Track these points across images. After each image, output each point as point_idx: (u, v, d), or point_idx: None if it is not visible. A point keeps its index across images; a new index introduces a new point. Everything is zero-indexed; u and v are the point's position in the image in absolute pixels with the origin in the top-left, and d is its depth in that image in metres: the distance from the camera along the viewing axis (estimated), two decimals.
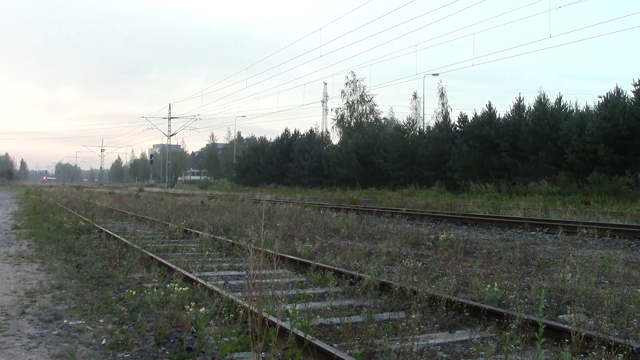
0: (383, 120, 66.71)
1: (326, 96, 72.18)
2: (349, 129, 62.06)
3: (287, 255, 9.18)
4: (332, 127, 66.38)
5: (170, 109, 76.20)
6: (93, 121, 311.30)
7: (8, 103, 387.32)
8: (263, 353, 4.41)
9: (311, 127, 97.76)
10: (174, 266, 7.87)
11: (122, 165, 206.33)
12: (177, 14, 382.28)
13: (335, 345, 4.68)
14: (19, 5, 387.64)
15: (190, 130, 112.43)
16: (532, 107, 36.16)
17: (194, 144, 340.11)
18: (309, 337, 4.36)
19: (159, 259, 8.76)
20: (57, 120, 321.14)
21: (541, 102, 35.56)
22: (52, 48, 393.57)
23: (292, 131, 64.28)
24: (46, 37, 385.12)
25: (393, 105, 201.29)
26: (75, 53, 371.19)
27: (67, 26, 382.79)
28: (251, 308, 4.31)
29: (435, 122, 49.60)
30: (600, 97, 33.02)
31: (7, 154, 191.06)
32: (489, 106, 39.20)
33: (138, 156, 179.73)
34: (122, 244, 10.47)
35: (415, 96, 66.78)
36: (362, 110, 64.80)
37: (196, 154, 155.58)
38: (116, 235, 11.96)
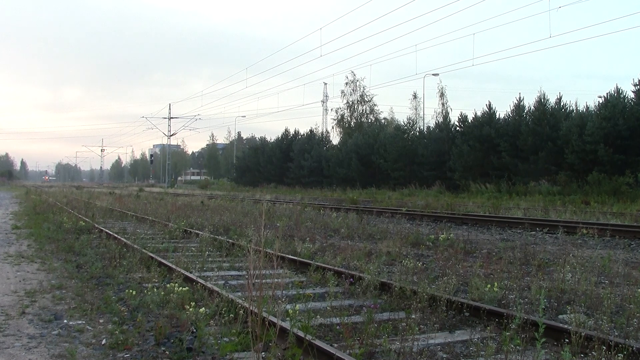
0: (383, 120, 66.66)
1: (326, 96, 72.22)
2: (349, 129, 62.05)
3: (287, 255, 9.18)
4: (332, 127, 66.44)
5: (170, 109, 76.28)
6: (95, 121, 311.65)
7: (10, 103, 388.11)
8: (263, 353, 4.41)
9: (311, 127, 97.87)
10: (174, 266, 7.87)
11: (122, 165, 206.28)
12: (180, 14, 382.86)
13: (335, 345, 4.68)
14: (22, 5, 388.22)
15: (190, 130, 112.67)
16: (532, 107, 36.19)
17: (194, 144, 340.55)
18: (309, 337, 4.36)
19: (159, 259, 8.76)
20: (58, 120, 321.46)
21: (541, 102, 35.56)
22: (55, 48, 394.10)
23: (292, 131, 64.41)
24: (49, 37, 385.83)
25: (393, 105, 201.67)
26: (78, 53, 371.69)
27: (70, 26, 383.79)
28: (251, 308, 4.31)
29: (435, 122, 49.64)
30: (600, 97, 33.08)
31: (7, 154, 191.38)
32: (489, 106, 39.23)
33: (138, 156, 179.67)
34: (122, 244, 10.47)
35: (415, 96, 66.83)
36: (362, 110, 64.83)
37: (196, 154, 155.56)
38: (116, 235, 11.96)
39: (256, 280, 4.83)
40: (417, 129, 48.87)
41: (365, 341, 4.65)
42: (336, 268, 7.96)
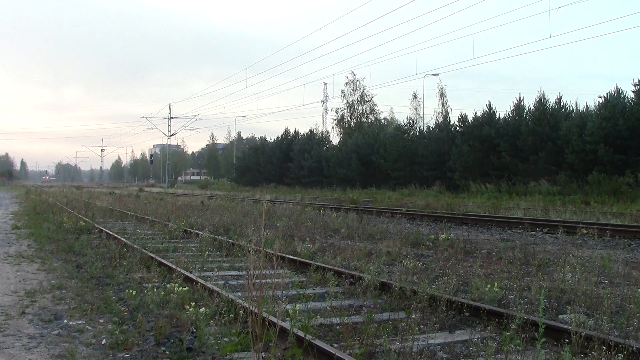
0: (383, 120, 66.69)
1: (326, 96, 72.22)
2: (349, 129, 62.04)
3: (287, 255, 9.18)
4: (332, 127, 66.43)
5: (170, 109, 76.26)
6: (95, 121, 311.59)
7: (10, 103, 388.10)
8: (263, 353, 4.41)
9: (311, 127, 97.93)
10: (174, 266, 7.86)
11: (122, 165, 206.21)
12: (180, 14, 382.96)
13: (335, 345, 4.68)
14: (23, 4, 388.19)
15: (190, 130, 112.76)
16: (532, 107, 36.19)
17: (194, 144, 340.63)
18: (309, 337, 4.36)
19: (159, 259, 8.76)
20: (59, 120, 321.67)
21: (541, 102, 35.56)
22: (55, 48, 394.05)
23: (292, 131, 64.38)
24: (49, 37, 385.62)
25: (393, 105, 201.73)
26: (78, 53, 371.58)
27: (70, 26, 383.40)
28: (251, 308, 4.31)
29: (435, 122, 49.65)
30: (600, 97, 33.08)
31: (7, 154, 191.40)
32: (489, 106, 39.24)
33: (138, 156, 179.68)
34: (122, 244, 10.47)
35: (415, 96, 66.84)
36: (362, 110, 64.81)
37: (196, 154, 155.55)
38: (116, 235, 11.96)
39: (256, 280, 4.83)
40: (417, 129, 48.87)
41: (365, 341, 4.65)
42: (336, 268, 7.96)
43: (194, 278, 7.06)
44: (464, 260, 9.19)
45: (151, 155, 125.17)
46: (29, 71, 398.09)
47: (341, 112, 64.87)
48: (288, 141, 62.19)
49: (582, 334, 4.50)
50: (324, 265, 8.20)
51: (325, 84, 73.32)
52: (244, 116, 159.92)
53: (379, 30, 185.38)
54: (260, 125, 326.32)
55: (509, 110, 39.11)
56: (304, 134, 62.11)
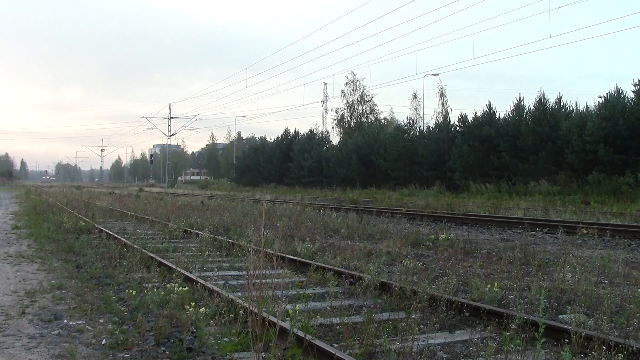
0: (383, 120, 66.67)
1: (326, 96, 72.23)
2: (349, 129, 62.05)
3: (287, 255, 9.18)
4: (332, 127, 66.45)
5: (170, 109, 76.25)
6: (95, 121, 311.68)
7: (10, 103, 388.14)
8: (263, 353, 4.41)
9: (311, 127, 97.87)
10: (174, 266, 7.87)
11: (122, 165, 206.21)
12: (180, 14, 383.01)
13: (335, 345, 4.68)
14: (23, 5, 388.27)
15: (190, 130, 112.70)
16: (532, 107, 36.20)
17: (194, 144, 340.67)
18: (309, 337, 4.36)
19: (159, 259, 8.76)
20: (59, 120, 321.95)
21: (541, 102, 35.56)
22: (55, 48, 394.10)
23: (292, 131, 64.35)
24: (49, 37, 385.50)
25: (393, 105, 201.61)
26: (78, 53, 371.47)
27: (70, 26, 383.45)
28: (251, 308, 4.31)
29: (435, 122, 49.63)
30: (600, 97, 33.08)
31: (7, 154, 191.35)
32: (489, 106, 39.23)
33: (138, 156, 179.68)
34: (122, 244, 10.47)
35: (415, 96, 66.90)
36: (362, 110, 64.81)
37: (196, 154, 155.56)
38: (116, 235, 11.96)
39: (256, 280, 4.83)
40: (417, 129, 48.87)
41: (365, 341, 4.65)
42: (336, 268, 7.96)
43: (194, 278, 7.07)
44: (464, 260, 9.19)
45: (151, 155, 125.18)
46: (29, 71, 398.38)
47: (341, 112, 64.94)
48: (288, 141, 62.18)
49: (582, 334, 4.50)
50: (324, 265, 8.20)
51: (325, 84, 73.41)
52: (244, 116, 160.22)
53: (379, 30, 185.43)
54: (260, 125, 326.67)
55: (509, 110, 39.15)
56: (304, 134, 62.12)
